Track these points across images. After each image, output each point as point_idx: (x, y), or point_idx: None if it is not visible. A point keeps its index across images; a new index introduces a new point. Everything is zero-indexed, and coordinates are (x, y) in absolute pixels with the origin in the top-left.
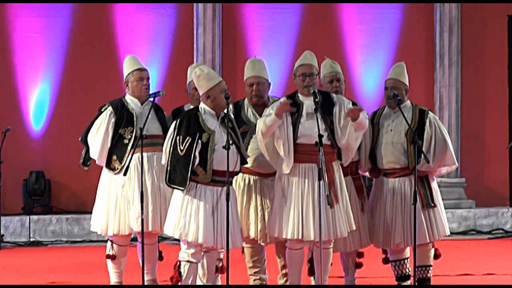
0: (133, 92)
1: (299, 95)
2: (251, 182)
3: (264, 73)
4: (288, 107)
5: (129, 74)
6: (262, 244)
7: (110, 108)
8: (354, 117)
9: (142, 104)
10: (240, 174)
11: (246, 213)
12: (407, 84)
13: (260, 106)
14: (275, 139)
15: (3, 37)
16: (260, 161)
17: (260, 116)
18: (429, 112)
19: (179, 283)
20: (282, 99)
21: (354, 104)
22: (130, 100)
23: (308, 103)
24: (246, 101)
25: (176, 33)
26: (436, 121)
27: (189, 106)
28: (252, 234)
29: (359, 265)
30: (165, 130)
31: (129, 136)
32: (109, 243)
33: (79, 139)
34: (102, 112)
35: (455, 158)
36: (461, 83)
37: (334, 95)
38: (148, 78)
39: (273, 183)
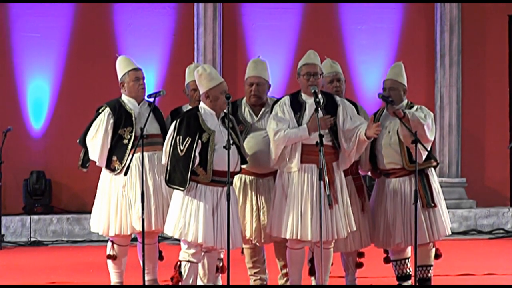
0: (129, 93)
1: (302, 94)
2: (247, 182)
3: (265, 74)
4: (329, 123)
5: (124, 74)
6: (257, 244)
7: (108, 109)
8: (371, 136)
9: (138, 104)
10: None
11: (242, 213)
12: (405, 84)
13: (258, 106)
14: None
15: (3, 37)
16: (256, 161)
17: (257, 116)
18: (421, 106)
19: (180, 283)
20: (287, 101)
21: (355, 105)
22: (127, 100)
23: (310, 103)
24: (243, 100)
25: (176, 33)
26: (422, 107)
27: (187, 107)
28: (247, 234)
29: (360, 265)
30: (163, 129)
31: (129, 136)
32: (109, 243)
33: (77, 141)
34: (99, 113)
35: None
36: (461, 83)
37: (337, 97)
38: (143, 78)
39: (269, 183)
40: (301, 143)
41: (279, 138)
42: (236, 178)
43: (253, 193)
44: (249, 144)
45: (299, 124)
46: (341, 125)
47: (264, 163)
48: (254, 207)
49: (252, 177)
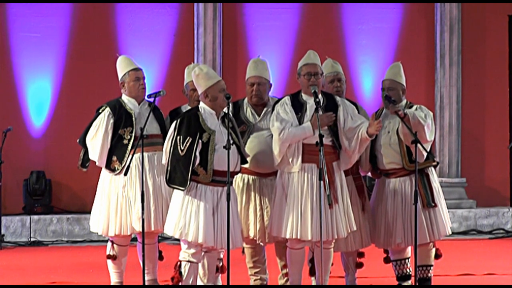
0: (130, 93)
1: (302, 94)
2: (250, 182)
3: (266, 74)
4: (331, 120)
5: (124, 74)
6: (261, 244)
7: (108, 109)
8: (373, 134)
9: (139, 104)
10: (239, 174)
11: (245, 213)
12: (404, 84)
13: (260, 106)
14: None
15: (3, 37)
16: (259, 161)
17: (259, 116)
18: (421, 106)
19: (180, 283)
20: (287, 101)
21: (355, 105)
22: (128, 101)
23: (311, 103)
24: (245, 100)
25: (177, 33)
26: (421, 107)
27: (186, 107)
28: (251, 234)
29: (360, 265)
30: (163, 129)
31: (129, 137)
32: (109, 243)
33: (77, 141)
34: (99, 113)
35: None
36: (461, 83)
37: (337, 97)
38: (144, 78)
39: (272, 182)
40: (301, 144)
41: (284, 135)
42: (239, 178)
43: (256, 193)
44: (252, 144)
45: (300, 124)
46: (342, 125)
47: (267, 163)
48: (258, 207)
49: (256, 177)
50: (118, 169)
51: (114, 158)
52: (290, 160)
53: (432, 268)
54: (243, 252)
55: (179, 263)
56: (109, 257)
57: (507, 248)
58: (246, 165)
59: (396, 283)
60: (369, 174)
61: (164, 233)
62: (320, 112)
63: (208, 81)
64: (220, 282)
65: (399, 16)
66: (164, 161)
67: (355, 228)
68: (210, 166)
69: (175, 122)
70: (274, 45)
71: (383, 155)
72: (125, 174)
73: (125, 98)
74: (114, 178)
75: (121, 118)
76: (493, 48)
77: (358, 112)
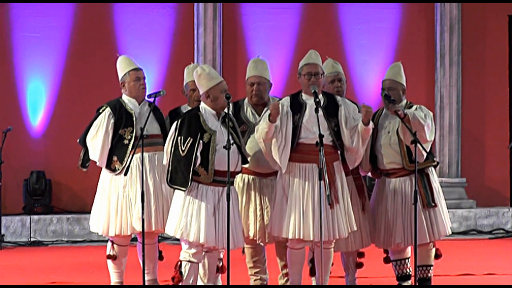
0: (130, 93)
1: (302, 94)
2: (250, 182)
3: (266, 74)
4: (277, 110)
5: (125, 74)
6: (261, 244)
7: (108, 109)
8: (367, 119)
9: (139, 104)
10: (239, 174)
11: (245, 213)
12: (404, 84)
13: (260, 106)
14: (273, 142)
15: (3, 37)
16: (259, 161)
17: (259, 115)
18: (421, 106)
19: (180, 283)
20: (286, 102)
21: (355, 105)
22: (128, 101)
23: (311, 103)
24: (246, 100)
25: (176, 33)
26: (421, 107)
27: (186, 107)
28: (251, 234)
29: (360, 265)
30: (163, 130)
31: (129, 137)
32: (109, 243)
33: (77, 141)
34: (100, 113)
35: (429, 130)
36: (461, 83)
37: (338, 97)
38: (144, 78)
39: (272, 182)
40: (289, 147)
41: (256, 132)
42: (239, 178)
43: (256, 193)
44: (252, 143)
45: (298, 125)
46: (344, 124)
47: (267, 162)
48: (258, 207)
49: (256, 177)
50: (118, 169)
51: (115, 158)
52: (278, 161)
53: (432, 268)
54: (243, 252)
55: (179, 263)
56: (109, 257)
57: (507, 248)
58: (246, 165)
59: (396, 283)
60: (369, 174)
61: (164, 233)
62: (320, 112)
63: (210, 82)
64: (220, 282)
65: (399, 16)
66: (165, 161)
67: (355, 228)
68: (211, 166)
69: (175, 122)
70: (274, 45)
71: (383, 155)
72: (125, 174)
73: (125, 98)
74: (114, 178)
75: (122, 118)
76: (493, 48)
77: (359, 112)
